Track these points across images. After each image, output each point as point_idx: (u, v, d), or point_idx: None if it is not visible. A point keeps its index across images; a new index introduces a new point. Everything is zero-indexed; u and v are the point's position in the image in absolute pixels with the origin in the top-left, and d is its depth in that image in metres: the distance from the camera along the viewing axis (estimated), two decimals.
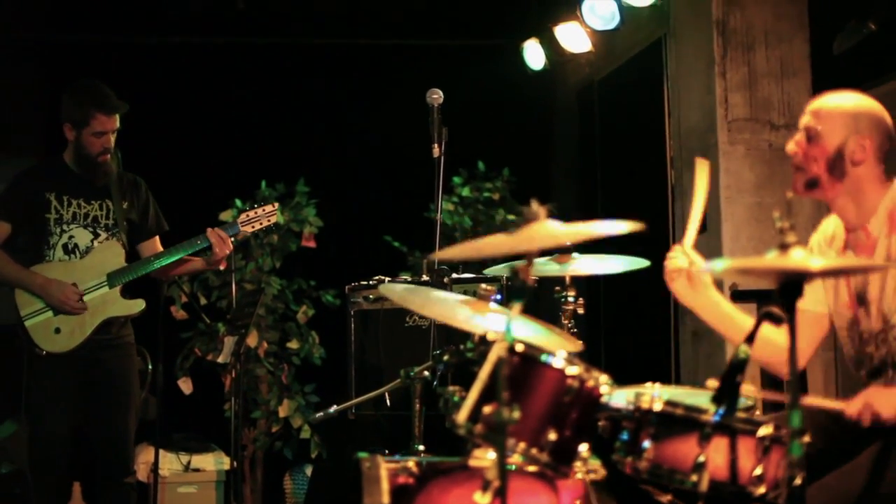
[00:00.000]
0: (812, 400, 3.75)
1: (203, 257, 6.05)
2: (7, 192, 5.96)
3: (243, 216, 6.15)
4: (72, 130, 5.84)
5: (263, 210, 6.18)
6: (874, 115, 4.04)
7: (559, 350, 3.23)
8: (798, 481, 2.77)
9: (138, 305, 5.95)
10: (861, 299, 4.03)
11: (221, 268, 6.25)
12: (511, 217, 8.61)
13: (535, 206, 2.96)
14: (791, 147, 4.12)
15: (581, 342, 4.13)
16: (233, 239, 6.01)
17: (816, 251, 4.23)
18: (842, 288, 4.12)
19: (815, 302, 4.20)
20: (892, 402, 3.64)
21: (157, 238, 6.19)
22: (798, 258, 2.77)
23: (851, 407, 3.71)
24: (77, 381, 5.81)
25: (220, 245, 5.92)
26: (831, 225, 4.24)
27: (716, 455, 3.14)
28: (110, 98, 5.86)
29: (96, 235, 5.90)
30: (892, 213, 3.97)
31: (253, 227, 6.14)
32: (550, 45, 8.45)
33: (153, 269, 5.94)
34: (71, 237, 5.84)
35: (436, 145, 5.44)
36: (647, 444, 3.24)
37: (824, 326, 4.25)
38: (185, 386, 8.08)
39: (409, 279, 6.87)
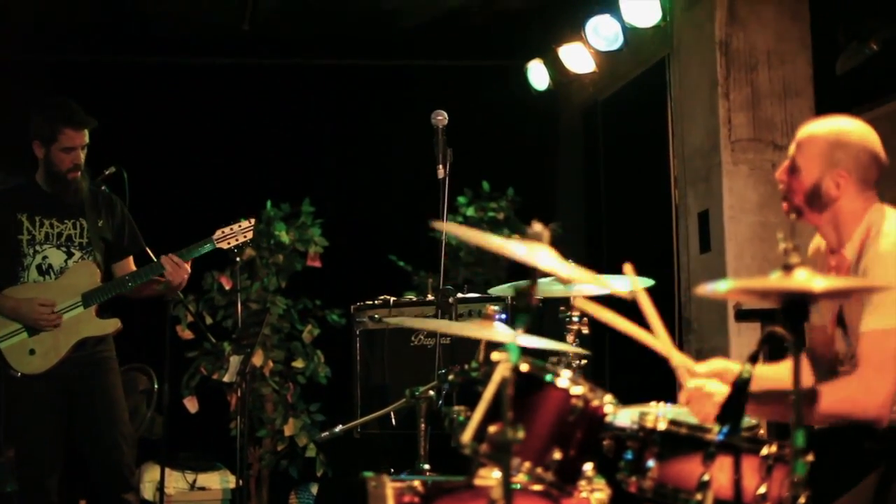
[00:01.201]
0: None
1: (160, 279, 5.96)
2: None
3: (218, 233, 6.08)
4: (41, 147, 5.80)
5: (239, 226, 6.12)
6: (854, 145, 3.97)
7: (563, 370, 3.25)
8: (802, 500, 2.78)
9: (113, 325, 5.92)
10: (840, 320, 4.05)
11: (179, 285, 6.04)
12: (516, 237, 8.61)
13: (536, 226, 2.98)
14: (777, 175, 4.15)
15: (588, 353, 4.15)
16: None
17: (812, 262, 4.25)
18: (825, 305, 4.14)
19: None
20: (706, 409, 3.72)
21: (131, 258, 6.12)
22: (802, 279, 2.78)
23: (682, 395, 3.80)
24: (58, 401, 5.77)
25: (174, 271, 5.84)
26: (815, 243, 4.29)
27: (720, 474, 3.15)
28: (78, 113, 5.81)
29: (70, 255, 5.85)
30: (863, 242, 3.98)
31: (228, 243, 6.07)
32: (554, 66, 8.48)
33: (127, 290, 5.89)
34: (45, 258, 5.79)
35: (440, 166, 5.46)
36: (651, 463, 3.25)
37: None
38: (191, 405, 8.09)
39: (414, 299, 6.88)
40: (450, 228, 3.67)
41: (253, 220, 6.22)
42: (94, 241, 5.90)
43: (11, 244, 5.78)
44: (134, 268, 6.08)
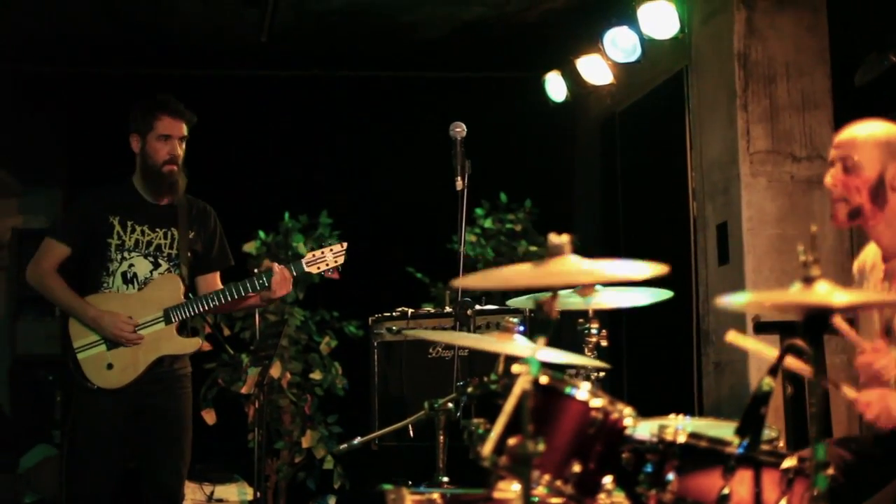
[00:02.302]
0: (831, 383, 3.76)
1: (260, 293, 5.78)
2: (69, 213, 5.80)
3: (309, 256, 5.88)
4: (137, 140, 5.68)
5: (332, 251, 5.91)
6: None
7: (583, 383, 3.25)
8: None
9: (194, 344, 5.75)
10: (889, 330, 4.04)
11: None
12: (533, 249, 8.62)
13: (555, 238, 2.98)
14: (829, 180, 4.15)
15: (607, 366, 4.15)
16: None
17: (858, 279, 4.25)
18: (875, 315, 4.13)
19: None
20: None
21: (218, 274, 5.96)
22: (822, 293, 2.77)
23: (870, 410, 3.74)
24: (126, 417, 5.60)
25: (282, 282, 5.69)
26: (871, 253, 4.27)
27: (740, 487, 3.15)
28: (176, 103, 5.72)
29: (157, 266, 5.69)
30: None
31: (318, 267, 5.86)
32: (572, 78, 8.48)
33: (211, 307, 5.71)
34: (131, 265, 5.64)
35: (459, 178, 5.45)
36: (671, 476, 3.24)
37: None
38: (209, 416, 8.10)
39: (432, 311, 6.88)
40: None
41: (345, 245, 5.98)
42: (183, 254, 5.73)
43: (100, 247, 5.64)
44: (220, 285, 5.90)
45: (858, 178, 4.06)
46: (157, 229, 5.73)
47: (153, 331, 5.60)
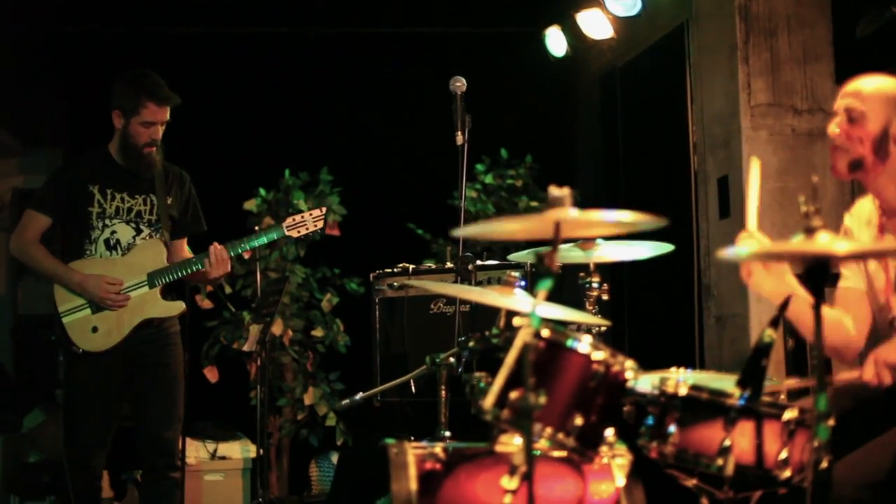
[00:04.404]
0: (837, 377, 3.78)
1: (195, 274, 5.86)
2: (49, 184, 5.83)
3: (289, 220, 5.98)
4: (121, 118, 5.71)
5: (311, 215, 6.00)
6: None
7: (584, 335, 3.25)
8: (824, 464, 2.78)
9: (178, 307, 5.82)
10: None
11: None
12: (534, 204, 8.61)
13: (555, 190, 2.96)
14: (833, 129, 4.13)
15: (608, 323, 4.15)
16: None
17: (856, 231, 4.24)
18: (880, 272, 4.13)
19: (858, 280, 4.21)
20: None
21: (185, 240, 6.02)
22: (824, 242, 2.77)
23: (867, 372, 3.75)
24: (118, 377, 5.68)
25: (217, 265, 5.74)
26: (867, 207, 4.25)
27: (741, 439, 3.16)
28: (164, 88, 5.73)
29: (139, 231, 5.75)
30: None
31: (299, 231, 5.96)
32: (572, 32, 8.46)
33: (192, 272, 5.78)
34: (113, 232, 5.70)
35: (459, 133, 5.44)
36: (672, 428, 3.25)
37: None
38: (211, 374, 8.13)
39: (434, 266, 6.88)
40: None
41: (324, 210, 6.10)
42: (163, 219, 5.81)
43: (81, 216, 5.69)
44: (188, 252, 5.99)
45: (862, 129, 4.05)
46: (137, 196, 5.80)
47: (138, 294, 5.69)
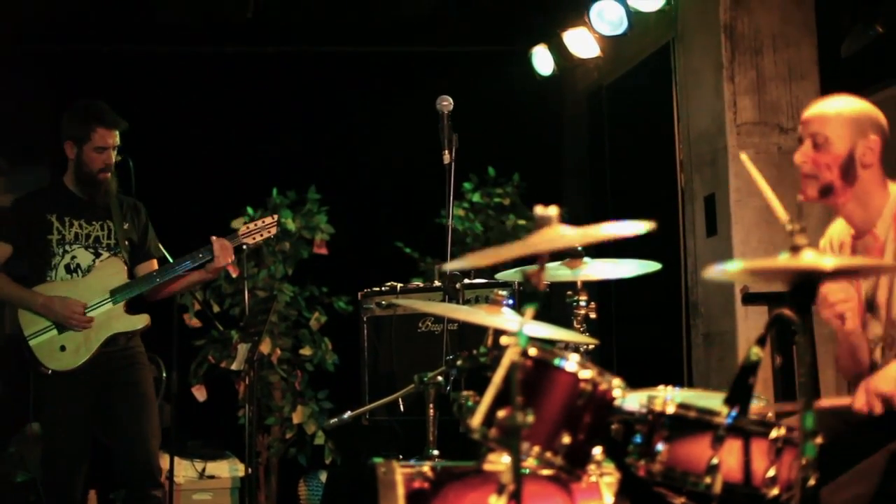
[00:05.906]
0: (823, 402, 3.79)
1: (203, 268, 5.98)
2: (8, 214, 5.94)
3: (243, 228, 6.12)
4: (73, 147, 5.84)
5: (263, 222, 6.16)
6: (873, 116, 4.08)
7: (572, 354, 3.25)
8: (811, 482, 2.78)
9: (142, 320, 5.90)
10: (870, 305, 4.04)
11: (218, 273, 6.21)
12: (522, 222, 8.62)
13: (541, 210, 2.97)
14: (799, 157, 4.12)
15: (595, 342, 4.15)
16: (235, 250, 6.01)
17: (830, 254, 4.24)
18: (856, 290, 4.13)
19: None
20: (891, 377, 3.69)
21: (155, 261, 6.10)
22: (810, 258, 2.79)
23: (858, 400, 3.74)
24: (89, 397, 5.76)
25: (222, 254, 5.89)
26: (837, 231, 4.26)
27: (729, 457, 3.16)
28: (110, 113, 5.86)
29: (98, 255, 5.86)
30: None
31: (253, 238, 6.10)
32: (559, 51, 8.49)
33: (155, 284, 5.91)
34: (73, 257, 5.81)
35: (446, 152, 5.45)
36: (660, 446, 3.25)
37: None
38: (199, 393, 8.11)
39: (422, 285, 6.88)
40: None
41: (276, 217, 6.27)
42: (121, 243, 5.91)
43: (41, 244, 5.80)
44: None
45: (829, 154, 4.04)
46: (94, 222, 5.92)
47: (102, 311, 5.80)
